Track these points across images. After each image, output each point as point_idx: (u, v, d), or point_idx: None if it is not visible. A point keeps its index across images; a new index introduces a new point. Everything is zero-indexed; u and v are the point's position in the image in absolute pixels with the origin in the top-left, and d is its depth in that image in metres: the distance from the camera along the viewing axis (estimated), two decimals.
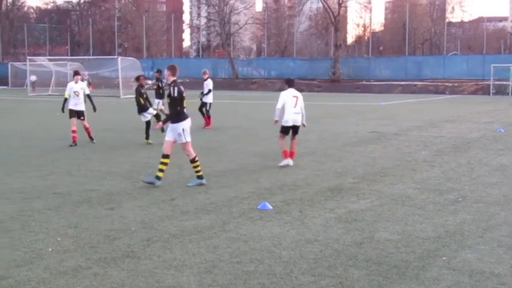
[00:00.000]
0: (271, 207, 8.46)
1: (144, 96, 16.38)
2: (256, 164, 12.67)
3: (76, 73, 16.90)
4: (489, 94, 50.51)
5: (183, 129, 10.02)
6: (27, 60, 56.01)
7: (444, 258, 6.27)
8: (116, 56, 54.78)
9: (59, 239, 6.90)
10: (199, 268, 5.93)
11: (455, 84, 55.33)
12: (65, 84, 21.04)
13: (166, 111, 12.30)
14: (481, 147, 15.54)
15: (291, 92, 12.78)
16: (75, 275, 5.70)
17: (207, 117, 21.03)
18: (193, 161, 10.23)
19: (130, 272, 5.82)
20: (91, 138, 16.30)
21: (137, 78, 16.96)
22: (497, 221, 7.83)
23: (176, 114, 10.12)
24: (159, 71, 20.42)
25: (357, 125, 21.61)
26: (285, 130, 12.65)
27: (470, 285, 5.51)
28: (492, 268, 5.96)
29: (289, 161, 12.36)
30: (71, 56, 71.50)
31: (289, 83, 13.12)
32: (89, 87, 18.29)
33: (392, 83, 57.81)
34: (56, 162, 12.88)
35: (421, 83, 57.35)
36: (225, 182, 10.50)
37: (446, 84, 55.89)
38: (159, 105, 19.99)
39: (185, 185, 10.16)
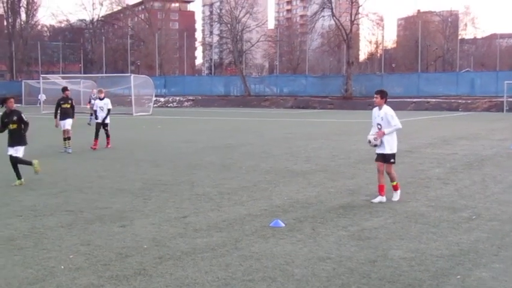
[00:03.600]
0: (283, 224, 8.42)
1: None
2: (268, 181, 12.63)
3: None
4: (503, 111, 50.19)
5: None
6: (41, 78, 56.47)
7: (458, 276, 6.19)
8: (128, 74, 55.12)
9: (71, 256, 6.90)
10: (211, 286, 5.90)
11: (469, 101, 55.10)
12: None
13: None
14: (494, 164, 15.42)
15: None
16: None
17: (107, 137, 19.81)
18: None
19: None
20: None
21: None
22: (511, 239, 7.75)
23: None
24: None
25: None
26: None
27: None
28: (507, 287, 5.88)
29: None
30: (84, 73, 72.03)
31: None
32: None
33: (405, 100, 57.63)
34: (67, 179, 12.92)
35: (434, 100, 57.16)
36: (238, 200, 10.47)
37: (460, 101, 55.68)
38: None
39: (197, 202, 10.15)
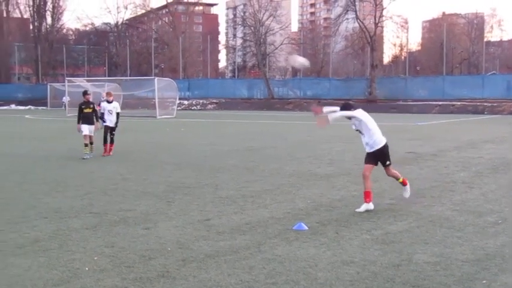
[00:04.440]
0: (306, 227, 8.39)
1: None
2: (291, 184, 12.61)
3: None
4: None
5: None
6: (66, 81, 57.05)
7: (484, 281, 6.11)
8: (152, 77, 55.47)
9: (95, 258, 6.95)
10: None
11: (495, 104, 54.50)
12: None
13: None
14: None
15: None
16: None
17: (111, 143, 18.63)
18: None
19: None
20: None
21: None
22: None
23: None
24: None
25: (393, 145, 21.30)
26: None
27: None
28: None
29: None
30: (109, 76, 72.64)
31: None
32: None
33: (429, 103, 57.23)
34: (92, 182, 13.03)
35: (459, 103, 56.64)
36: (261, 202, 10.47)
37: (485, 104, 55.11)
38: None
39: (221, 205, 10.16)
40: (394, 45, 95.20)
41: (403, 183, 10.36)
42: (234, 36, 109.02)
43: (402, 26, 73.42)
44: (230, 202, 10.49)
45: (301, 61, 10.87)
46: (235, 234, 8.11)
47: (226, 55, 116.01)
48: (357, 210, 9.64)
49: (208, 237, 7.95)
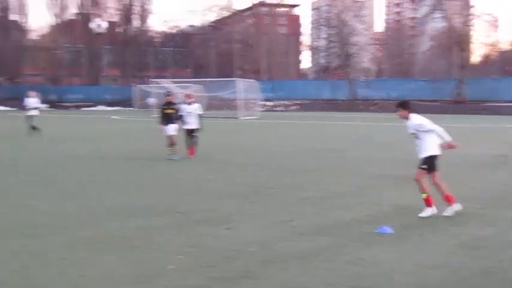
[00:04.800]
0: (390, 231, 8.22)
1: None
2: (373, 186, 12.40)
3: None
4: None
5: None
6: (151, 82, 58.49)
7: None
8: (235, 78, 56.05)
9: (179, 257, 7.07)
10: None
11: None
12: None
13: None
14: None
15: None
16: None
17: (194, 145, 18.16)
18: None
19: None
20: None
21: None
22: None
23: None
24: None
25: (484, 148, 20.67)
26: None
27: None
28: None
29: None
30: (193, 78, 73.93)
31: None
32: None
33: None
34: (176, 182, 13.28)
35: None
36: (343, 204, 10.35)
37: None
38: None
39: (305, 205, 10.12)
40: (484, 44, 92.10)
41: (427, 203, 9.42)
42: (318, 37, 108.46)
43: (492, 24, 70.90)
44: (312, 203, 10.43)
45: None
46: (317, 236, 8.06)
47: (311, 56, 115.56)
48: (444, 214, 9.34)
49: (291, 238, 7.93)
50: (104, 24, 12.84)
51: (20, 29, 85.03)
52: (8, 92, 70.13)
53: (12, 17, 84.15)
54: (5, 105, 64.70)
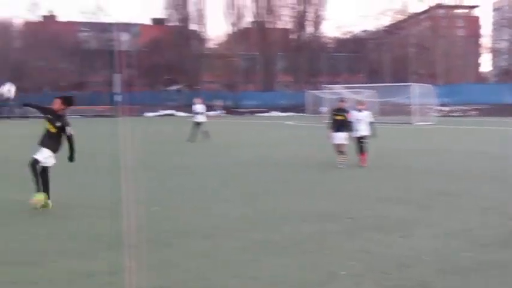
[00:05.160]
0: None
1: None
2: None
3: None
4: None
5: None
6: (324, 88, 58.76)
7: None
8: (410, 83, 54.61)
9: (351, 262, 6.93)
10: None
11: None
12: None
13: None
14: None
15: None
16: None
17: (364, 151, 17.50)
18: None
19: None
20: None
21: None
22: None
23: None
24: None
25: None
26: None
27: None
28: None
29: None
30: (367, 83, 73.22)
31: None
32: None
33: None
34: (345, 188, 13.12)
35: None
36: None
37: None
38: None
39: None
40: None
41: None
42: (499, 38, 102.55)
43: None
44: (494, 212, 9.77)
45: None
46: (501, 248, 7.49)
47: (492, 59, 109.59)
48: None
49: (470, 249, 7.45)
50: (13, 89, 12.36)
51: (199, 38, 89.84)
52: (187, 98, 74.28)
53: (192, 26, 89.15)
54: (184, 111, 68.28)
